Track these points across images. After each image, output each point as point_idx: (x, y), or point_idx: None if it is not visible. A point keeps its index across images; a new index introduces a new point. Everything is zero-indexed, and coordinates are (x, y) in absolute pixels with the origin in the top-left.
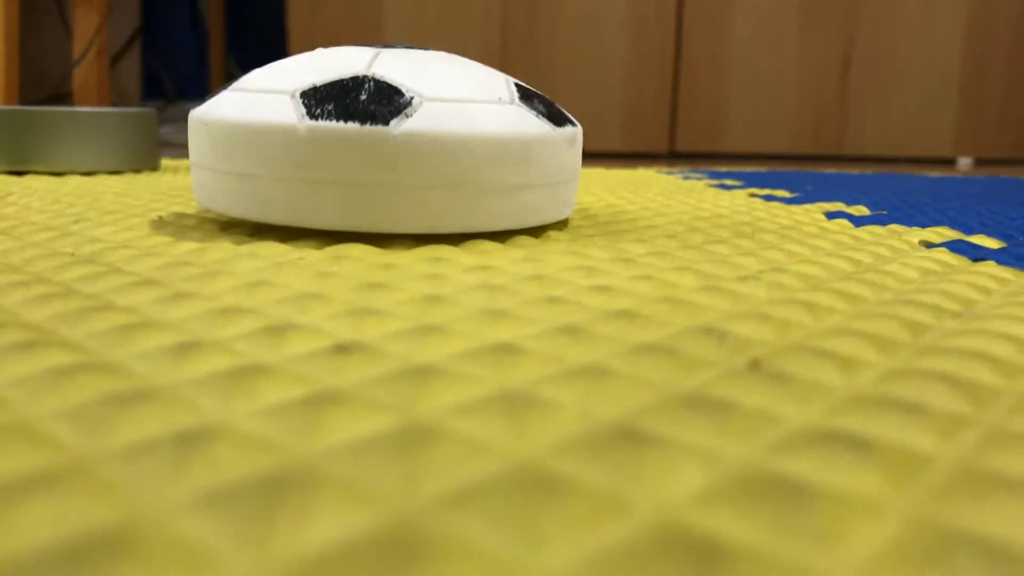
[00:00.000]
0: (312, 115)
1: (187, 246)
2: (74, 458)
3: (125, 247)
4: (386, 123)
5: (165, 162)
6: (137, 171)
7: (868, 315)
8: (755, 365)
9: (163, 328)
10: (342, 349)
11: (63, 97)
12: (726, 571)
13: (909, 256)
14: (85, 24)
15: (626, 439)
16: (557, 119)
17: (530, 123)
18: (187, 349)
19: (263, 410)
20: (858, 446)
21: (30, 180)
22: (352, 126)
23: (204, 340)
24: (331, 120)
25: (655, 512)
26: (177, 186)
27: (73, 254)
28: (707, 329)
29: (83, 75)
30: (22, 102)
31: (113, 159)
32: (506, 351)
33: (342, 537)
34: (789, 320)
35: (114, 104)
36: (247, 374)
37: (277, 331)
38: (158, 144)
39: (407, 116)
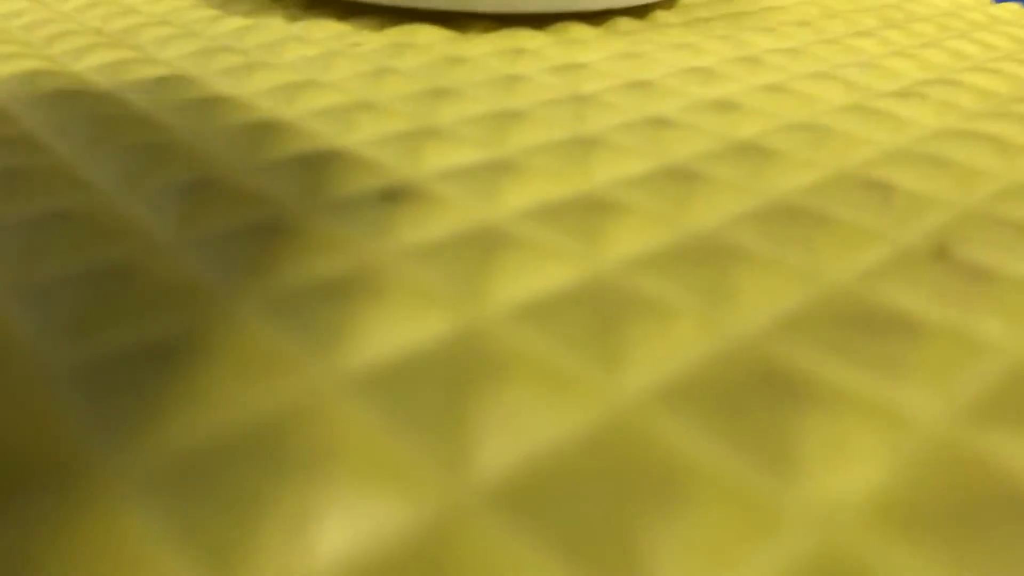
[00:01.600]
0: None
1: (231, 23)
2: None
3: (161, 23)
4: None
5: None
6: None
7: None
8: (942, 253)
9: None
10: (390, 196)
11: None
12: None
13: None
14: None
15: (712, 253)
16: None
17: None
18: (204, 186)
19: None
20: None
21: None
22: None
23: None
24: None
25: (739, 333)
26: None
27: (100, 30)
28: (866, 182)
29: None
30: None
31: None
32: (590, 206)
33: (408, 345)
34: (977, 169)
35: None
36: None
37: (311, 161)
38: None
39: None
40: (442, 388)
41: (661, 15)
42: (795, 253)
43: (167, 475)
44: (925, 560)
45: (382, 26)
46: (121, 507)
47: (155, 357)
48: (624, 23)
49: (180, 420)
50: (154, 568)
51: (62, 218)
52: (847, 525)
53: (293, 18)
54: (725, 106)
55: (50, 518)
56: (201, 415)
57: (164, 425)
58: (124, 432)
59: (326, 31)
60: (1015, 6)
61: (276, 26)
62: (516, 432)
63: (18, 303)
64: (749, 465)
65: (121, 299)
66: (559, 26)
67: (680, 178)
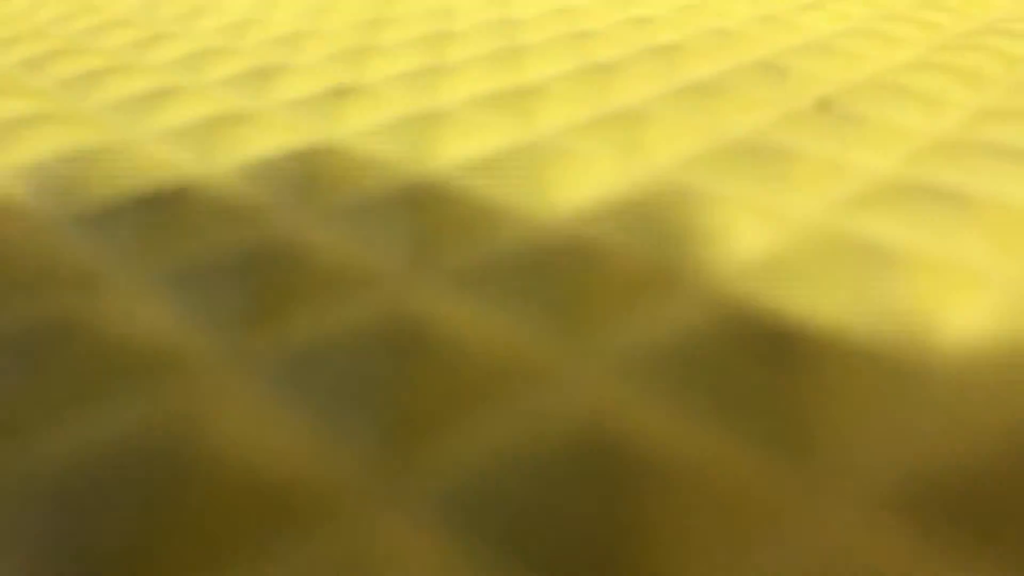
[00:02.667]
0: None
1: None
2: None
3: None
4: None
5: None
6: None
7: (952, 47)
8: (822, 106)
9: (139, 72)
10: (339, 94)
11: None
12: (795, 351)
13: None
14: None
15: (669, 196)
16: None
17: None
18: (164, 96)
19: (246, 164)
20: (949, 200)
21: None
22: None
23: (182, 87)
24: None
25: (706, 283)
26: None
27: None
28: (765, 65)
29: None
30: None
31: None
32: (526, 94)
33: (335, 322)
34: (859, 53)
35: None
36: (230, 123)
37: (266, 73)
38: None
39: None
40: (378, 365)
41: None
42: (699, 115)
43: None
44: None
45: None
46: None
47: None
48: None
49: None
50: None
51: None
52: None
53: None
54: (642, 22)
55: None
56: None
57: None
58: None
59: None
60: None
61: None
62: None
63: None
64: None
65: None
66: None
67: (602, 72)
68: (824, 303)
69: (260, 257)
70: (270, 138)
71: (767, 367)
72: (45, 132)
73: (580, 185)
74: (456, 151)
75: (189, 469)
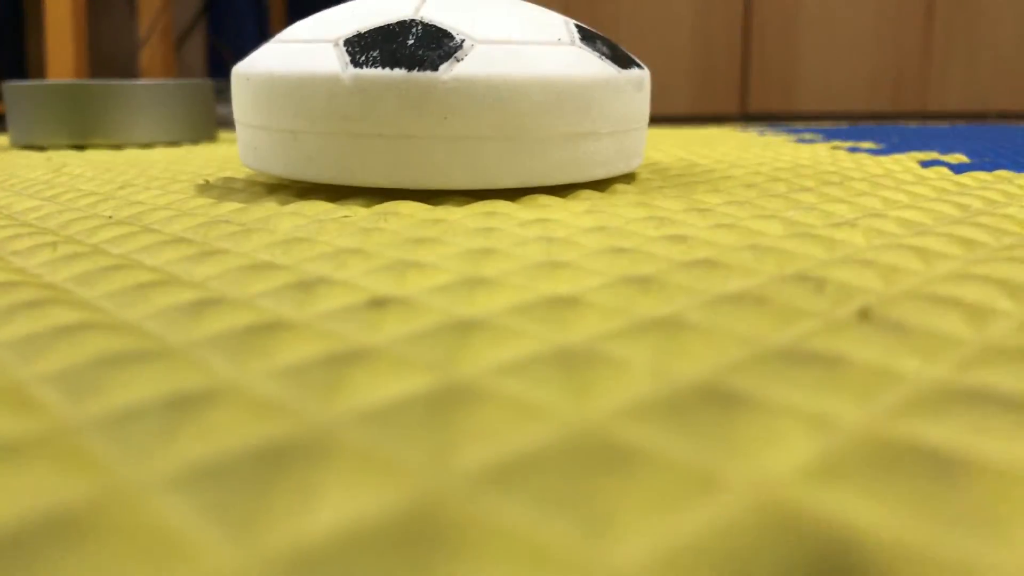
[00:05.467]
0: (356, 63)
1: (228, 207)
2: (53, 424)
3: (165, 209)
4: (435, 68)
5: (224, 135)
6: (195, 142)
7: (991, 259)
8: (865, 314)
9: (185, 286)
10: (378, 304)
11: (130, 74)
12: (856, 564)
13: None
14: (150, 4)
15: (713, 402)
16: (622, 61)
17: (592, 65)
18: (206, 306)
19: (279, 370)
20: (1012, 406)
21: (89, 154)
22: (399, 72)
23: (227, 297)
24: (376, 67)
25: (754, 489)
26: (231, 155)
27: (111, 217)
28: (802, 277)
29: (149, 55)
30: None
31: (170, 130)
32: (565, 304)
33: (351, 521)
34: (898, 266)
35: None
36: (267, 331)
37: (308, 287)
38: (215, 115)
39: (457, 60)
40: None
41: (620, 187)
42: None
43: None
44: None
45: (368, 203)
46: None
47: (39, 536)
48: (586, 193)
49: None
50: None
51: None
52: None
53: (286, 200)
54: (677, 239)
55: None
56: None
57: None
58: None
59: (317, 208)
60: (942, 168)
61: (271, 206)
62: None
63: None
64: None
65: None
66: (528, 198)
67: (640, 283)
68: (881, 511)
69: (283, 454)
70: (305, 345)
71: (817, 563)
72: (87, 338)
73: (616, 389)
74: (491, 356)
75: None
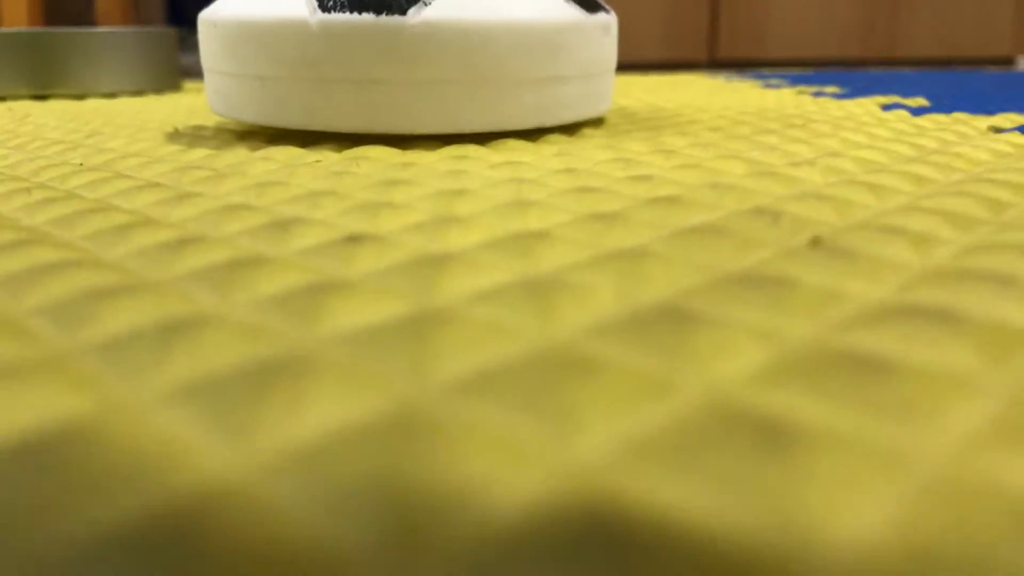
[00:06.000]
0: (324, 7)
1: (199, 153)
2: (49, 350)
3: (135, 156)
4: (403, 12)
5: (188, 85)
6: (159, 92)
7: (939, 194)
8: (816, 242)
9: (163, 226)
10: (354, 240)
11: (86, 25)
12: (797, 452)
13: (978, 140)
14: None
15: (671, 320)
16: (589, 5)
17: (560, 9)
18: (186, 245)
19: (261, 300)
20: (944, 320)
21: (51, 103)
22: (367, 17)
23: (206, 236)
24: (344, 12)
25: (708, 392)
26: (198, 104)
27: (81, 164)
28: (759, 210)
29: (105, 4)
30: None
31: (133, 79)
32: (534, 239)
33: (339, 424)
34: (851, 200)
35: None
36: (248, 266)
37: (284, 225)
38: (179, 63)
39: (425, 4)
40: (382, 458)
41: (588, 131)
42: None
43: None
44: None
45: (339, 148)
46: None
47: (46, 449)
48: (554, 137)
49: None
50: None
51: None
52: None
53: (256, 147)
54: (642, 179)
55: None
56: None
57: None
58: None
59: (288, 153)
60: (902, 111)
61: (242, 152)
62: None
63: None
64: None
65: None
66: (497, 142)
67: (606, 219)
68: (819, 407)
69: (271, 370)
70: (284, 278)
71: (761, 452)
72: (70, 275)
73: (581, 311)
74: (464, 286)
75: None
